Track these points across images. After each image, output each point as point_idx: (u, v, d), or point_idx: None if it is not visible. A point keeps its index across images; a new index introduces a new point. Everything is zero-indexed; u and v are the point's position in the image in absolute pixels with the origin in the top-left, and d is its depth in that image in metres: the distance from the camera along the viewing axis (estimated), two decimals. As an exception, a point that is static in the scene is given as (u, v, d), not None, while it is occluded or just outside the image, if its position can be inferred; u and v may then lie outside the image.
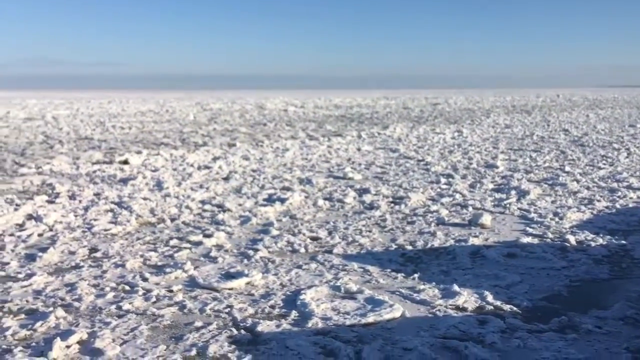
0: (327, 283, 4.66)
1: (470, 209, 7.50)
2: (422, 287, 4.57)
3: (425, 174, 10.60)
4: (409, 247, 5.74)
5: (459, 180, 9.71)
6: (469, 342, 3.54)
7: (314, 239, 6.10)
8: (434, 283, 4.66)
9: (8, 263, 5.24)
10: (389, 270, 5.03)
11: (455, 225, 6.67)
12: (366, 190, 8.81)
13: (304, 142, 16.49)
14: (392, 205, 7.78)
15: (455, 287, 4.47)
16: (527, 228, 6.49)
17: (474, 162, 12.14)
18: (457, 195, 8.38)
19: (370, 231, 6.39)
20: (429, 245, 5.80)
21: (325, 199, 8.20)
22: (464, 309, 4.15)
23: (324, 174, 10.75)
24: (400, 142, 16.66)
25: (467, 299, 4.30)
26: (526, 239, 5.98)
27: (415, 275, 4.85)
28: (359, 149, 14.75)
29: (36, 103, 49.95)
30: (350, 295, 4.38)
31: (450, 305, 4.20)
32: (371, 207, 7.67)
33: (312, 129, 21.81)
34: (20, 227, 6.61)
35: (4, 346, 3.55)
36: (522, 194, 8.42)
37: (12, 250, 5.67)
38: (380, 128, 21.92)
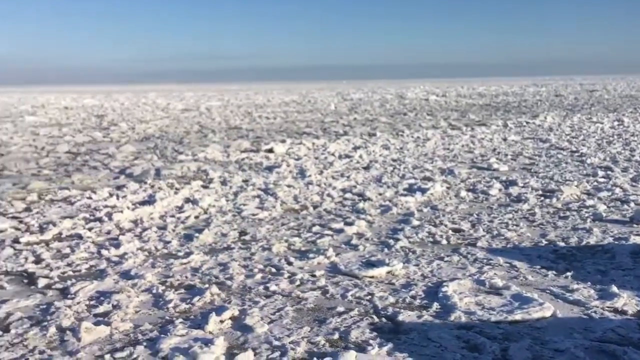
0: (471, 277, 4.54)
1: (632, 204, 6.87)
2: (575, 286, 4.28)
3: (579, 166, 9.89)
4: (561, 244, 5.40)
5: (619, 174, 8.93)
6: (628, 348, 3.27)
7: (456, 230, 5.97)
8: (589, 283, 4.35)
9: (170, 242, 5.75)
10: (538, 267, 4.78)
11: (614, 222, 6.15)
12: (513, 182, 8.43)
13: (445, 132, 16.14)
14: (542, 198, 7.37)
15: (614, 288, 4.13)
16: (702, 228, 5.80)
17: (636, 153, 11.10)
18: (617, 190, 7.72)
19: (517, 225, 6.11)
20: (584, 243, 5.41)
21: (468, 190, 7.99)
22: (623, 312, 3.83)
23: (467, 164, 10.45)
24: (551, 131, 15.69)
25: (627, 301, 3.96)
26: (700, 240, 5.36)
27: (568, 274, 4.56)
28: (505, 139, 14.14)
29: (192, 95, 54.03)
30: (495, 291, 4.23)
31: (607, 307, 3.90)
32: (518, 199, 7.33)
33: (455, 118, 21.27)
34: (180, 209, 7.22)
35: (167, 317, 3.91)
36: (695, 189, 7.53)
37: (173, 230, 6.21)
38: (528, 117, 20.80)
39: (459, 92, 48.35)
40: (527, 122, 18.57)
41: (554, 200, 7.22)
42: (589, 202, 7.01)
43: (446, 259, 5.02)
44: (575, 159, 10.63)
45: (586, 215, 6.45)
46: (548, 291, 4.22)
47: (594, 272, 4.61)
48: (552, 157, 11.01)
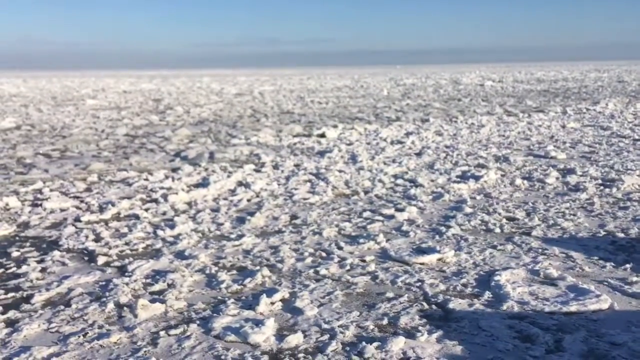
0: (525, 266, 4.44)
1: (699, 196, 6.55)
2: (635, 279, 4.13)
3: (642, 154, 9.48)
4: (621, 235, 5.21)
5: (686, 163, 8.51)
6: (692, 346, 3.13)
7: (510, 219, 5.84)
8: (650, 276, 4.18)
9: (222, 224, 5.86)
10: (595, 258, 4.62)
11: (679, 213, 5.88)
12: (571, 171, 8.17)
13: (501, 118, 15.77)
14: (602, 188, 7.11)
15: (677, 283, 3.96)
16: None
17: None
18: (683, 180, 7.36)
19: (574, 215, 5.92)
20: (646, 234, 5.20)
21: (523, 178, 7.79)
22: (687, 309, 3.66)
23: (523, 151, 10.19)
24: (612, 119, 15.08)
25: (691, 297, 3.79)
26: None
27: (628, 266, 4.40)
28: (563, 126, 13.69)
29: (245, 80, 54.63)
30: (550, 281, 4.13)
31: (670, 302, 3.74)
32: (576, 188, 7.10)
33: (511, 104, 20.73)
34: (232, 192, 7.34)
35: (219, 297, 4.00)
36: None
37: (226, 213, 6.33)
38: (589, 103, 20.06)
39: (516, 77, 47.04)
40: (588, 109, 17.91)
41: (614, 190, 6.95)
42: (653, 193, 6.72)
43: (499, 247, 4.93)
44: (638, 148, 10.19)
45: (649, 206, 6.19)
46: (606, 283, 4.08)
47: (656, 265, 4.43)
48: (613, 145, 10.60)
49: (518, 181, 7.53)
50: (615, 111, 17.11)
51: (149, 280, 4.34)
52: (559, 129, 13.20)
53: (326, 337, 3.34)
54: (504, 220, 5.78)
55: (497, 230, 5.47)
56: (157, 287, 4.18)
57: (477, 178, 7.72)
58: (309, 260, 4.71)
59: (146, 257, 4.91)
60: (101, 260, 4.83)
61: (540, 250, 4.84)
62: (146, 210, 6.50)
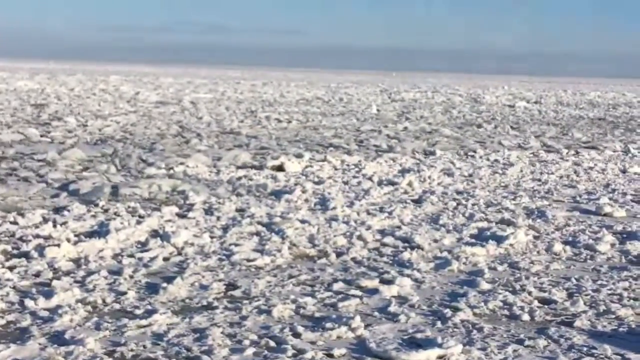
0: (563, 372, 4.48)
1: None
2: None
3: None
4: (700, 330, 5.31)
5: None
6: None
7: (544, 301, 5.92)
8: None
9: (125, 293, 5.78)
10: (664, 362, 4.70)
11: None
12: (633, 235, 8.35)
13: (536, 155, 16.12)
14: (675, 261, 7.28)
15: None
16: None
17: None
18: None
19: (636, 299, 6.03)
20: None
21: (565, 242, 7.93)
22: None
23: (566, 204, 10.40)
24: (694, 162, 15.53)
25: None
26: None
27: None
28: (624, 171, 14.04)
29: (172, 82, 54.87)
30: (598, 395, 4.16)
31: None
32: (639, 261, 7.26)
33: (551, 135, 21.22)
34: (143, 246, 7.28)
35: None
36: None
37: (131, 277, 6.25)
38: (661, 139, 20.64)
39: (560, 97, 48.33)
40: (659, 147, 18.42)
41: (694, 264, 7.12)
42: None
43: (527, 342, 4.96)
44: None
45: None
46: (677, 401, 4.13)
47: None
48: (693, 200, 10.89)
49: (557, 247, 7.66)
50: (699, 152, 17.63)
51: (7, 376, 4.23)
52: (618, 175, 13.52)
53: None
54: (536, 303, 5.84)
55: (526, 317, 5.52)
56: (18, 387, 4.08)
57: (499, 240, 7.82)
58: (249, 351, 4.66)
59: (6, 339, 4.79)
60: (-63, 341, 4.69)
61: (585, 349, 4.89)
62: (10, 269, 6.38)
